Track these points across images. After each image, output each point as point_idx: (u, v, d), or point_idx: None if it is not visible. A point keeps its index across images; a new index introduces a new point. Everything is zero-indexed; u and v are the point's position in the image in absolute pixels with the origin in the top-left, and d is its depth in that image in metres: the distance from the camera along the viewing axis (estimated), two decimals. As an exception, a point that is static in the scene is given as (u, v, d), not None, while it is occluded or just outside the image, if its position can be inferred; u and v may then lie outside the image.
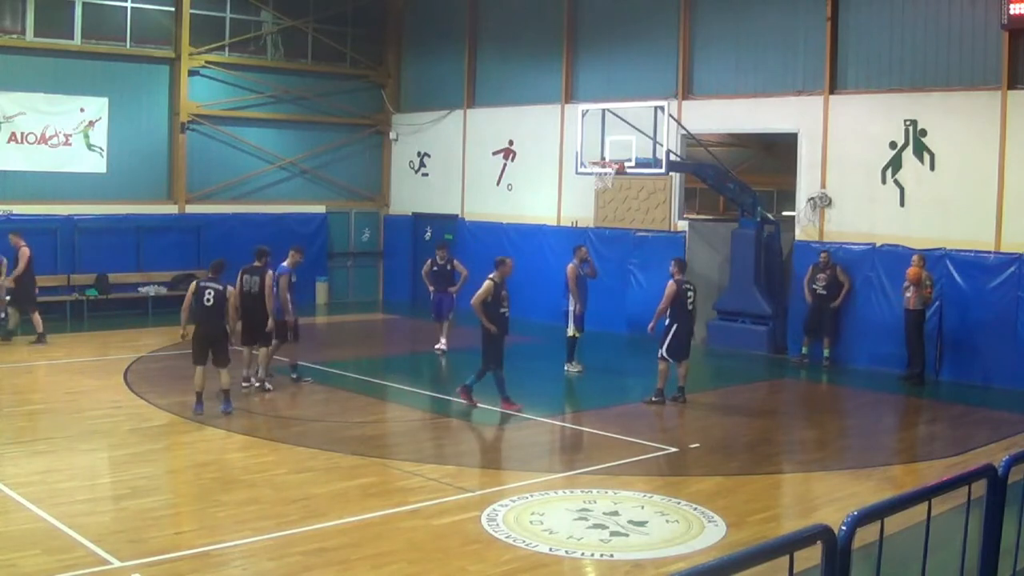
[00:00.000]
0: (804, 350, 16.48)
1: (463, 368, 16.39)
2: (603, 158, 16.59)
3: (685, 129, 18.09)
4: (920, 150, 15.82)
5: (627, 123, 16.39)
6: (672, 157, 16.59)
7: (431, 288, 16.75)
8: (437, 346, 16.83)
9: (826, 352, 16.30)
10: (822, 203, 16.99)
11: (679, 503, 8.91)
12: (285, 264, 13.80)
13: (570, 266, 15.15)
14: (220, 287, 12.01)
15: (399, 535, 8.01)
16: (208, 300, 11.92)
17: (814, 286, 16.27)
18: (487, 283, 12.64)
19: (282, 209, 22.81)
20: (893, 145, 16.08)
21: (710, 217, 21.53)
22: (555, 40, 20.93)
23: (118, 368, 14.78)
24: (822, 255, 16.25)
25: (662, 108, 16.22)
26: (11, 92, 19.41)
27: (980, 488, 4.76)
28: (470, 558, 7.55)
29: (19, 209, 19.48)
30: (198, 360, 11.98)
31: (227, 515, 8.44)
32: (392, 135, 24.39)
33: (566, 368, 15.17)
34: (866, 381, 15.16)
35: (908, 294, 14.75)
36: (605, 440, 11.52)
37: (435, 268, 16.69)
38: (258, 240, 21.42)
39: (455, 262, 16.93)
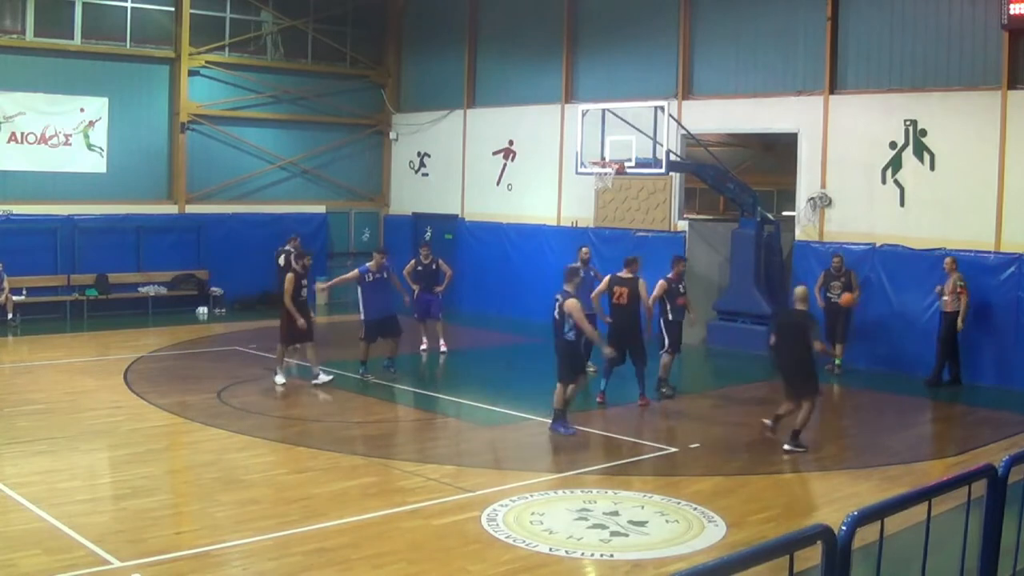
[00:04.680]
0: (838, 361, 15.56)
1: (464, 368, 16.46)
2: (603, 158, 16.59)
3: (685, 129, 18.09)
4: (920, 150, 15.82)
5: (627, 123, 16.38)
6: (672, 157, 16.58)
7: (415, 288, 16.48)
8: (423, 347, 16.74)
9: (837, 361, 15.57)
10: (822, 203, 16.98)
11: (679, 503, 8.91)
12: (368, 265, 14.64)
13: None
14: (560, 299, 11.57)
15: (399, 535, 8.01)
16: (557, 313, 11.60)
17: (829, 294, 15.59)
18: (661, 282, 13.34)
19: (282, 209, 22.81)
20: (893, 145, 16.08)
21: (710, 217, 21.52)
22: (555, 40, 20.93)
23: (118, 368, 14.78)
24: (835, 260, 15.61)
25: (662, 108, 16.22)
26: (11, 92, 19.42)
27: (980, 488, 4.76)
28: (470, 558, 7.55)
29: (19, 209, 19.49)
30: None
31: (227, 515, 8.45)
32: (392, 135, 24.40)
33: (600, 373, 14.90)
34: (866, 381, 15.15)
35: (945, 297, 14.43)
36: (605, 440, 11.52)
37: (419, 268, 16.49)
38: (259, 240, 21.68)
39: (440, 261, 16.87)
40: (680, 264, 13.94)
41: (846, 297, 15.27)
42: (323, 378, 13.88)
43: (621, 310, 12.90)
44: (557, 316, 11.60)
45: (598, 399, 12.89)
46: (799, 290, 11.41)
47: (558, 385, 11.56)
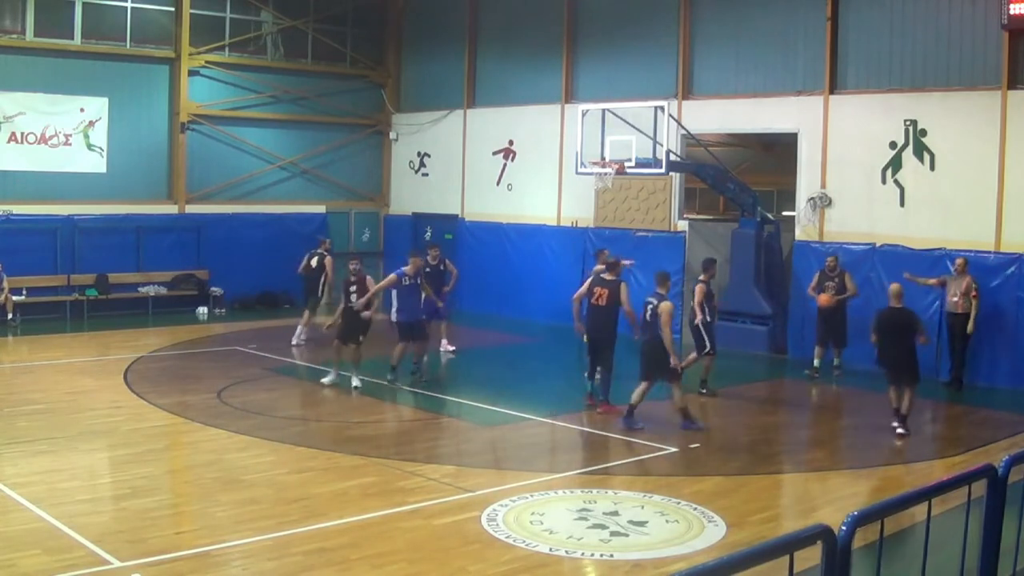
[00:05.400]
0: (816, 363, 15.33)
1: (465, 368, 16.45)
2: (603, 158, 16.58)
3: (685, 129, 18.09)
4: (920, 150, 15.82)
5: (627, 123, 16.38)
6: (672, 157, 16.58)
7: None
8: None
9: (836, 361, 15.44)
10: (822, 203, 16.98)
11: (679, 503, 8.91)
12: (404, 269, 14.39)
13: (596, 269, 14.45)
14: (655, 301, 11.84)
15: (399, 535, 8.01)
16: (648, 315, 11.87)
17: (824, 295, 15.30)
18: (700, 286, 13.91)
19: (282, 209, 22.81)
20: (893, 145, 16.08)
21: (710, 217, 21.52)
22: (555, 40, 20.93)
23: (118, 368, 14.78)
24: (829, 260, 15.42)
25: (662, 108, 16.21)
26: (11, 92, 19.42)
27: (980, 488, 4.76)
28: (470, 558, 7.55)
29: (19, 209, 19.48)
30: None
31: (227, 515, 8.45)
32: (392, 135, 24.40)
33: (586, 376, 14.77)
34: (866, 381, 15.10)
35: (955, 298, 14.33)
36: (605, 440, 11.52)
37: (427, 269, 16.39)
38: (259, 240, 21.72)
39: (447, 262, 16.85)
40: (713, 267, 14.46)
41: (823, 298, 15.20)
42: (328, 379, 14.08)
43: (598, 311, 12.67)
44: (648, 318, 11.85)
45: (588, 402, 12.82)
46: (894, 288, 12.07)
47: (643, 384, 11.84)
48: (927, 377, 14.83)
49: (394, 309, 14.27)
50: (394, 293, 14.28)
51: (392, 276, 14.38)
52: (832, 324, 15.35)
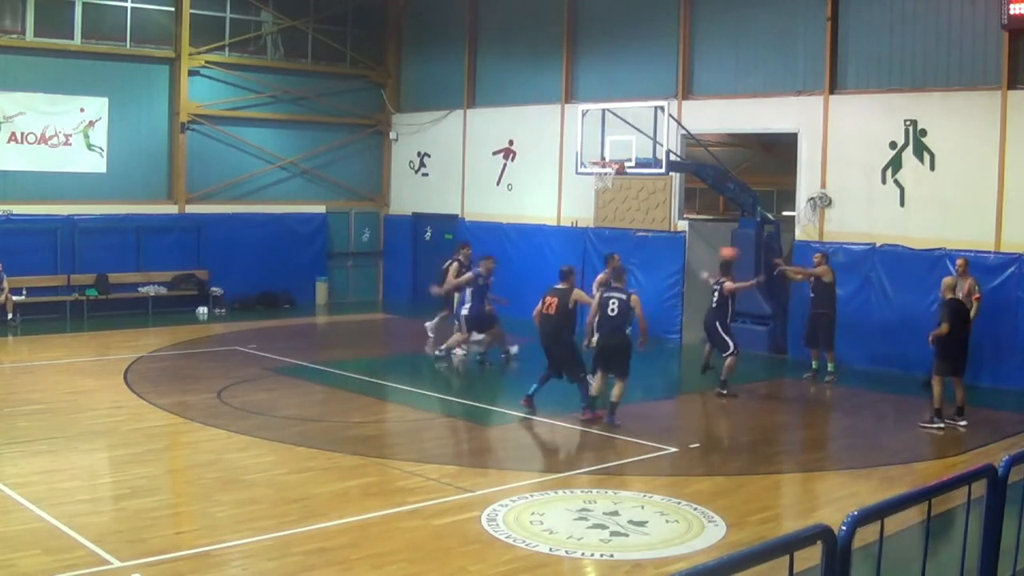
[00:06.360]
0: (815, 365, 15.32)
1: (465, 368, 16.45)
2: (603, 158, 16.58)
3: (685, 129, 18.09)
4: (920, 150, 15.83)
5: (627, 123, 16.38)
6: (672, 157, 16.58)
7: (457, 293, 16.21)
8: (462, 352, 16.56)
9: (829, 367, 15.17)
10: (822, 203, 16.98)
11: (679, 503, 8.91)
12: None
13: (600, 276, 14.32)
14: (624, 296, 11.99)
15: (399, 535, 8.01)
16: (612, 310, 11.96)
17: (812, 295, 15.23)
18: (727, 284, 14.09)
19: (282, 209, 22.81)
20: (893, 145, 16.08)
21: (710, 217, 21.52)
22: (555, 40, 20.93)
23: (118, 368, 14.78)
24: (816, 258, 15.24)
25: (662, 108, 16.21)
26: (11, 92, 19.41)
27: (980, 488, 4.76)
28: (470, 558, 7.55)
29: (19, 209, 19.48)
30: (596, 368, 12.22)
31: (227, 515, 8.45)
32: (392, 135, 24.40)
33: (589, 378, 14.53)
34: (867, 381, 15.14)
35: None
36: (605, 440, 11.52)
37: (462, 270, 16.18)
38: (259, 240, 21.75)
39: (471, 264, 16.84)
40: (730, 267, 14.53)
41: (792, 271, 15.43)
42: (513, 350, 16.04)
43: (548, 320, 12.52)
44: (612, 313, 11.94)
45: (522, 402, 12.50)
46: (950, 281, 12.51)
47: (620, 382, 11.95)
48: (926, 378, 14.90)
49: (466, 305, 15.58)
50: (468, 291, 15.55)
51: (469, 275, 15.71)
52: (820, 326, 15.17)
